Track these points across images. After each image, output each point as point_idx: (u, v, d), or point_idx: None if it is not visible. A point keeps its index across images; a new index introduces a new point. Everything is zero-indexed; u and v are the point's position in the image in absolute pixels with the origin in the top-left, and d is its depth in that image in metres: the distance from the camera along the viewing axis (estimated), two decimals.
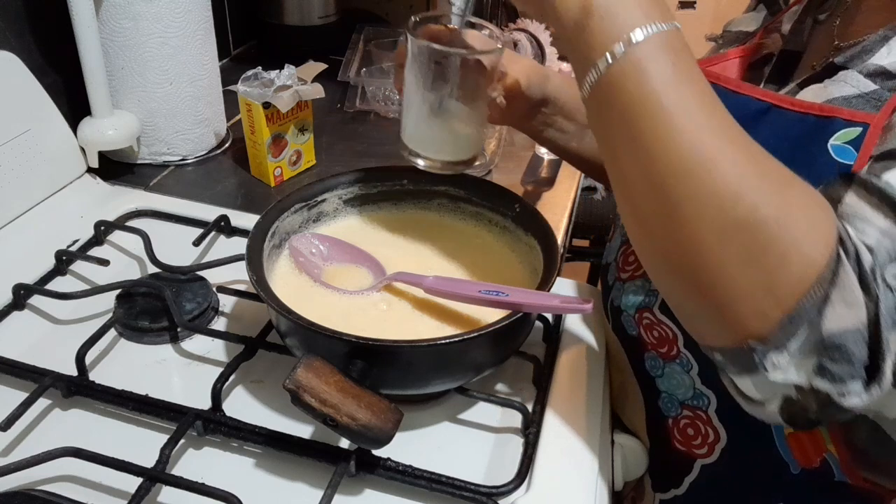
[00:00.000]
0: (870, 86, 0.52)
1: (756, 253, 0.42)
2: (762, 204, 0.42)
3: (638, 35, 0.44)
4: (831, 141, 0.51)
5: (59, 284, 0.73)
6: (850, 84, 0.53)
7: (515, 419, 0.59)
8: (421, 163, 0.63)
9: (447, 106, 0.60)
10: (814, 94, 0.55)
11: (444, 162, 0.63)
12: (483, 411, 0.61)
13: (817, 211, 0.44)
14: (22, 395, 0.57)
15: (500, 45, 0.60)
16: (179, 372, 0.64)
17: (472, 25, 0.62)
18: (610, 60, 0.45)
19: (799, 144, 0.53)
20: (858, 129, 0.50)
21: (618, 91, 0.45)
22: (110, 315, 0.66)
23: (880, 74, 0.52)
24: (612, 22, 0.45)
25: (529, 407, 0.59)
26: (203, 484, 0.50)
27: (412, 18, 0.61)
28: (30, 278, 0.72)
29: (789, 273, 0.42)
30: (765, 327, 0.43)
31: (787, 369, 0.43)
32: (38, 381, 0.58)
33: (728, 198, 0.42)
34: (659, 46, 0.44)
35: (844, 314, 0.42)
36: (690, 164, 0.43)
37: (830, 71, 0.55)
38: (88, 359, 0.61)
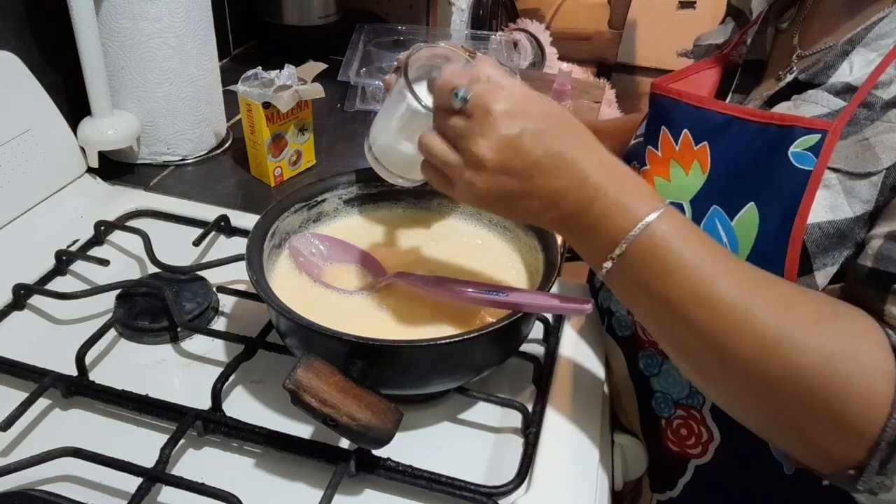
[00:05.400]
0: (840, 103, 0.52)
1: (810, 397, 0.43)
2: (804, 350, 0.43)
3: (649, 218, 0.46)
4: (791, 149, 0.52)
5: (59, 284, 0.73)
6: (820, 104, 0.54)
7: (515, 419, 0.59)
8: (377, 168, 0.65)
9: (413, 135, 0.60)
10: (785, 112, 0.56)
11: (395, 175, 0.64)
12: (483, 411, 0.61)
13: (866, 338, 0.44)
14: (22, 395, 0.57)
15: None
16: (179, 372, 0.64)
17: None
18: (625, 247, 0.47)
19: (761, 154, 0.54)
20: (817, 136, 0.51)
21: (642, 266, 0.47)
22: (110, 315, 0.66)
23: (848, 91, 0.53)
24: (614, 217, 0.47)
25: (529, 407, 0.59)
26: (203, 484, 0.50)
27: (415, 46, 0.62)
28: (30, 278, 0.72)
29: (857, 406, 0.42)
30: (855, 458, 0.43)
31: (894, 489, 0.43)
32: (38, 381, 0.58)
33: (766, 349, 0.43)
34: (667, 223, 0.47)
35: None
36: (727, 325, 0.45)
37: (796, 88, 0.56)
38: (88, 359, 0.61)
